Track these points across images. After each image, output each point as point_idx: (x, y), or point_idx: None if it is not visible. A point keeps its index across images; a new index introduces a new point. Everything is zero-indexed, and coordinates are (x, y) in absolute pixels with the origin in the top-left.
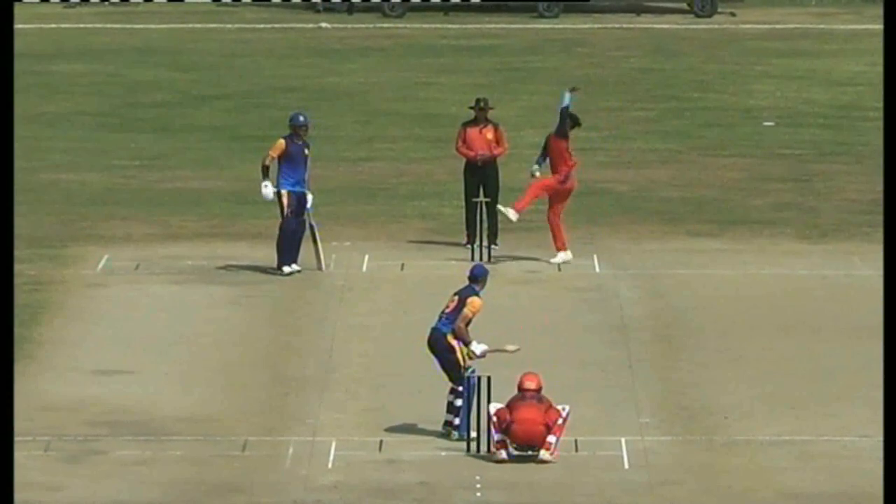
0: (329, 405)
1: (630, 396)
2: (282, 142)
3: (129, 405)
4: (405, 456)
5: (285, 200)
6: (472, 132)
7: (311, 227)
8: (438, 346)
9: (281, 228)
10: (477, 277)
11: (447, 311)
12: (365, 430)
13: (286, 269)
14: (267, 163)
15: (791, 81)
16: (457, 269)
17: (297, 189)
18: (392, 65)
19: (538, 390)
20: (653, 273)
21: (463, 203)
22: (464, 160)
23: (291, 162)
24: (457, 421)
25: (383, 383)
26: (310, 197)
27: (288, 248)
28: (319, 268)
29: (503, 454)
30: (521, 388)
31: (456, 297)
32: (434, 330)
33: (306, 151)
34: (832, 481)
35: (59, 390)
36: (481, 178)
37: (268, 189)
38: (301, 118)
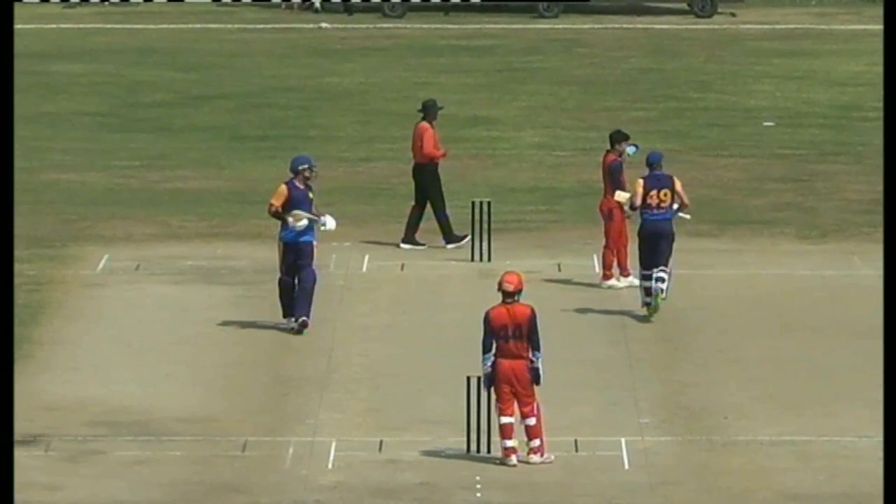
0: (329, 405)
1: (630, 396)
2: (283, 188)
3: (129, 405)
4: (405, 456)
5: (280, 252)
6: (437, 133)
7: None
8: (668, 235)
9: (280, 282)
10: (659, 161)
11: (662, 204)
12: (365, 431)
13: (289, 324)
14: (273, 211)
15: (791, 82)
16: (456, 269)
17: (302, 239)
18: (392, 65)
19: (516, 293)
20: None
21: (447, 203)
22: (427, 161)
23: (294, 209)
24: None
25: (383, 383)
26: (330, 221)
27: (288, 302)
28: (319, 221)
29: (514, 460)
30: (500, 288)
31: (663, 190)
32: (663, 221)
33: (311, 195)
34: (832, 482)
35: (58, 390)
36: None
37: (303, 221)
38: (303, 162)
